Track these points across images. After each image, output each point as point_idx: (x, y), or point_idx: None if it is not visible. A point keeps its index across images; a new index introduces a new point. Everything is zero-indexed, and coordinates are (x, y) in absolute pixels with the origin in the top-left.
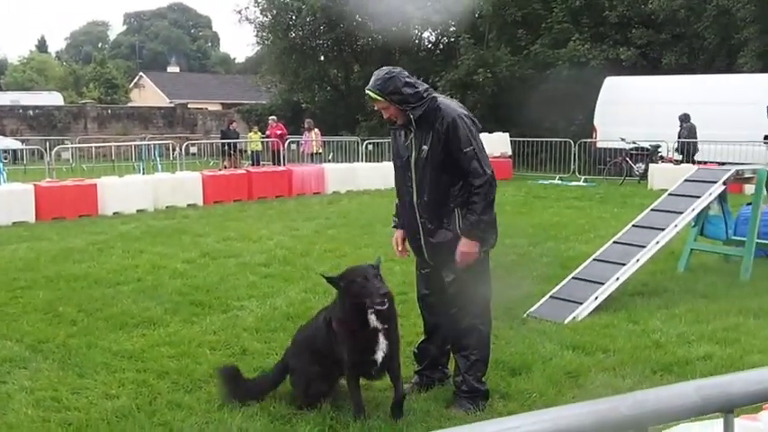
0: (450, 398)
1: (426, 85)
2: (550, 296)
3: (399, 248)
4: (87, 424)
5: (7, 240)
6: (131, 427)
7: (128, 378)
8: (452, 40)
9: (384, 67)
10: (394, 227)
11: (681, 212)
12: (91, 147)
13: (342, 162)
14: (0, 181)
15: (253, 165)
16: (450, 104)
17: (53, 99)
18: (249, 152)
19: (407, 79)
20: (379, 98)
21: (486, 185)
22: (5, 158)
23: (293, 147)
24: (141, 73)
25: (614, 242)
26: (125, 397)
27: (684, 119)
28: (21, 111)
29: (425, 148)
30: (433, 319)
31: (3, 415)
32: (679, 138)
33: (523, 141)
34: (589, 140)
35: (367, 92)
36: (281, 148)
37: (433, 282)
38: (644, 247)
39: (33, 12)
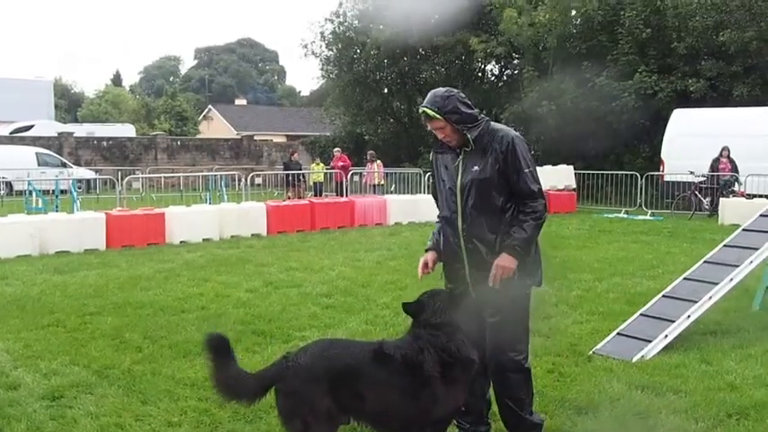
0: None
1: (479, 109)
2: (617, 333)
3: (426, 269)
4: None
5: (78, 267)
6: None
7: (190, 406)
8: (516, 72)
9: (440, 88)
10: (426, 250)
11: (756, 248)
12: (160, 177)
13: (404, 194)
14: (74, 209)
15: (315, 196)
16: (506, 127)
17: (126, 131)
18: (311, 183)
19: (465, 100)
20: (437, 117)
21: (541, 208)
22: (80, 188)
23: (356, 178)
24: (210, 106)
25: (685, 278)
26: (187, 425)
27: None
28: (95, 142)
29: (476, 169)
30: None
31: None
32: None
33: (588, 174)
34: (656, 174)
35: (423, 109)
36: (344, 180)
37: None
38: (717, 284)
39: (109, 47)
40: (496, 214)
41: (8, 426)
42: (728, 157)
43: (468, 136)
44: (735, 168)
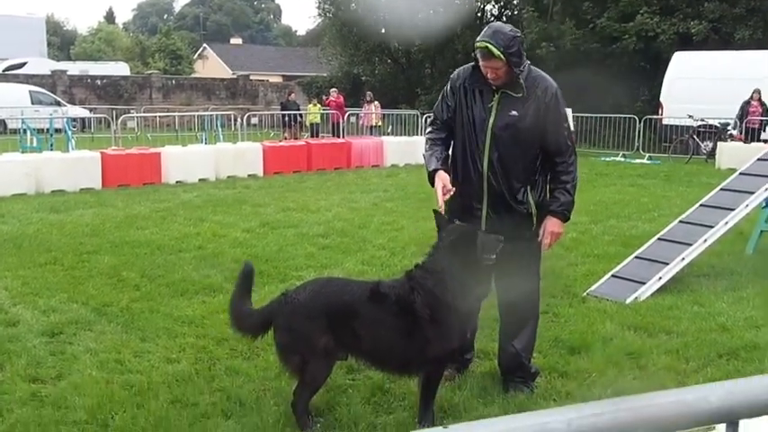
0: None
1: None
2: (612, 275)
3: (447, 189)
4: (149, 387)
5: (75, 206)
6: (191, 392)
7: (188, 343)
8: (515, 13)
9: (501, 24)
10: (434, 169)
11: (752, 192)
12: (155, 116)
13: (401, 135)
14: (69, 148)
15: (312, 137)
16: (545, 75)
17: (120, 69)
18: (308, 124)
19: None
20: (501, 57)
21: (575, 164)
22: (74, 126)
23: (353, 119)
24: (205, 45)
25: (680, 221)
26: (185, 362)
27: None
28: (89, 80)
29: (515, 114)
30: None
31: (69, 375)
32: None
33: (586, 117)
34: (655, 117)
35: (487, 46)
36: (341, 121)
37: None
38: (712, 227)
39: None
40: (527, 163)
41: (9, 361)
42: (759, 99)
43: (522, 82)
44: (766, 111)
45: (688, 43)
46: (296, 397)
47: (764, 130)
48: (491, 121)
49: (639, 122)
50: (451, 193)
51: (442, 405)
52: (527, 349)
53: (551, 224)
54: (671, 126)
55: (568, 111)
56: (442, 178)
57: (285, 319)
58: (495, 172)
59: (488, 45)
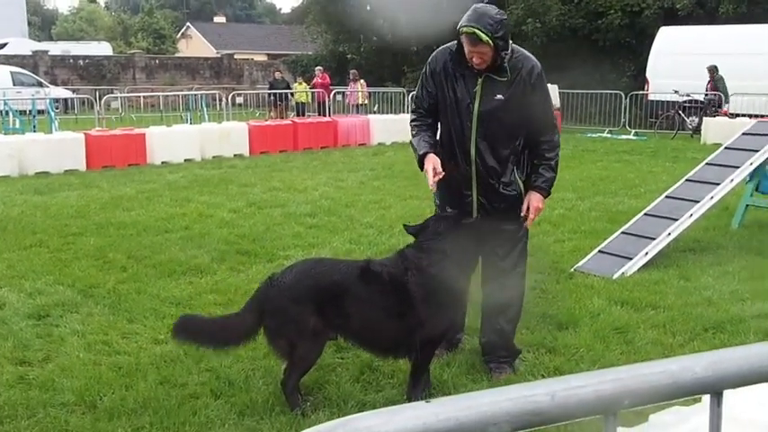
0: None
1: None
2: (599, 251)
3: (437, 175)
4: (137, 368)
5: (59, 188)
6: (179, 372)
7: None
8: None
9: (486, 6)
10: (424, 153)
11: (737, 167)
12: (139, 96)
13: (387, 113)
14: (52, 129)
15: (298, 116)
16: (526, 53)
17: (102, 49)
18: (294, 103)
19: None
20: (489, 41)
21: (558, 141)
22: (57, 108)
23: (339, 98)
24: (188, 23)
25: (666, 197)
26: (173, 343)
27: (713, 70)
28: (71, 61)
29: (500, 98)
30: None
31: (56, 357)
32: (707, 90)
33: (572, 93)
34: (641, 93)
35: (473, 31)
36: (327, 99)
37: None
38: (697, 202)
39: None
40: (514, 145)
41: None
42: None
43: (506, 66)
44: (723, 86)
45: (673, 18)
46: (286, 377)
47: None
48: (476, 106)
49: (625, 98)
50: (441, 176)
51: (431, 382)
52: (512, 326)
53: (535, 199)
54: (657, 102)
55: (554, 87)
56: (433, 161)
57: (272, 302)
58: (483, 157)
59: (476, 30)
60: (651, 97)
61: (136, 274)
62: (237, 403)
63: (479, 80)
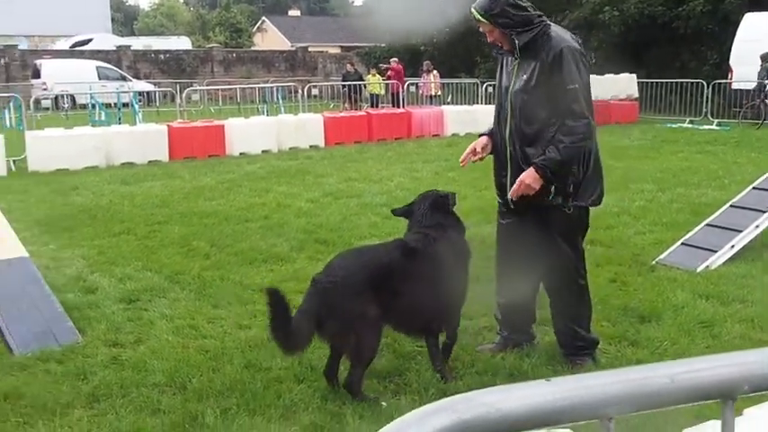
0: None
1: (539, 12)
2: (682, 243)
3: (474, 156)
4: (223, 352)
5: (143, 178)
6: (264, 357)
7: (258, 310)
8: None
9: None
10: (480, 134)
11: None
12: (218, 89)
13: (461, 104)
14: (136, 122)
15: (372, 107)
16: (563, 35)
17: (182, 43)
18: (368, 94)
19: (517, 1)
20: (483, 20)
21: (582, 130)
22: (140, 101)
23: (412, 89)
24: (264, 17)
25: (754, 188)
26: (256, 328)
27: (765, 58)
28: (152, 55)
29: (525, 77)
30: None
31: (146, 340)
32: (759, 78)
33: (651, 83)
34: (724, 81)
35: (471, 11)
36: (401, 91)
37: (515, 235)
38: None
39: None
40: (539, 128)
41: (89, 326)
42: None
43: (516, 42)
44: None
45: (759, 3)
46: (352, 376)
47: None
48: (510, 87)
49: (707, 87)
50: (477, 157)
51: (511, 371)
52: (577, 320)
53: (526, 174)
54: (741, 90)
55: (632, 77)
56: (478, 142)
57: (335, 302)
58: (514, 140)
59: (473, 10)
60: (735, 86)
61: (219, 261)
62: (320, 388)
63: (516, 61)
